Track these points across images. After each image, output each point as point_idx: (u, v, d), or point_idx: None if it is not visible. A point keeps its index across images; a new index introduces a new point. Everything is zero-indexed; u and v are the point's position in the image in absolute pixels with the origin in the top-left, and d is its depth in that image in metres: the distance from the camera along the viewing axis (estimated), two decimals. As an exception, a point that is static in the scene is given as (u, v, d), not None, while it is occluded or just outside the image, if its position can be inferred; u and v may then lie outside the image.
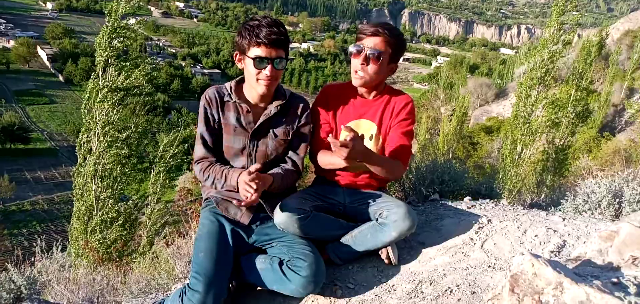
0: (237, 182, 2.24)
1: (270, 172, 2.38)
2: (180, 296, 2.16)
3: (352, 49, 2.50)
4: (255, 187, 2.12)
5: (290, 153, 2.50)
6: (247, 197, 2.14)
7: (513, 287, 1.21)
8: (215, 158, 2.43)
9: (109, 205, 6.81)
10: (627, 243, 1.33)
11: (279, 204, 2.35)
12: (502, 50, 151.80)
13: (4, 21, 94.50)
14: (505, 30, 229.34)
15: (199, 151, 2.45)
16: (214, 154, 2.44)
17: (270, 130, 2.44)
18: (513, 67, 55.46)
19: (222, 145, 2.46)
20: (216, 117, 2.42)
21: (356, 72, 2.49)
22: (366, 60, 2.44)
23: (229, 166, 2.39)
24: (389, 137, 2.56)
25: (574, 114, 12.20)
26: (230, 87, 2.44)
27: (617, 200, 3.00)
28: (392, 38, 2.45)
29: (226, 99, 2.42)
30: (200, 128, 2.43)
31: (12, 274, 3.34)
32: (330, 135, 2.21)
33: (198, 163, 2.45)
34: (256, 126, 2.40)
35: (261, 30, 2.22)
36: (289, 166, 2.48)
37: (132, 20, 7.43)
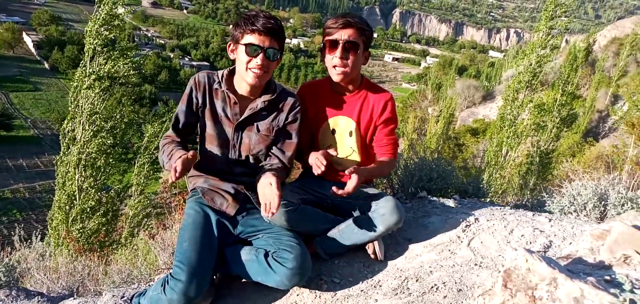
0: (174, 161, 2.08)
1: (265, 170, 2.31)
2: (162, 285, 2.10)
3: (326, 44, 2.46)
4: (180, 169, 2.00)
5: (277, 152, 2.43)
6: (171, 175, 2.01)
7: (506, 282, 1.19)
8: (179, 139, 2.37)
9: (91, 194, 6.71)
10: (619, 242, 1.32)
11: None
12: (491, 53, 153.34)
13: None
14: (494, 34, 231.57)
15: (169, 128, 2.44)
16: (180, 135, 2.39)
17: (255, 124, 2.39)
18: (501, 70, 56.04)
19: (190, 130, 2.42)
20: (199, 101, 2.37)
21: (335, 67, 2.46)
22: (345, 53, 2.42)
23: (179, 147, 2.29)
24: (376, 137, 2.61)
25: (559, 118, 12.36)
26: (222, 76, 2.39)
27: (603, 203, 3.01)
28: (363, 27, 2.45)
29: (215, 86, 2.37)
30: (179, 107, 2.38)
31: (-11, 261, 3.26)
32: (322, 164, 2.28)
33: (163, 139, 2.42)
34: (241, 118, 2.35)
35: (258, 19, 2.21)
36: (279, 165, 2.41)
37: (121, 10, 7.31)
